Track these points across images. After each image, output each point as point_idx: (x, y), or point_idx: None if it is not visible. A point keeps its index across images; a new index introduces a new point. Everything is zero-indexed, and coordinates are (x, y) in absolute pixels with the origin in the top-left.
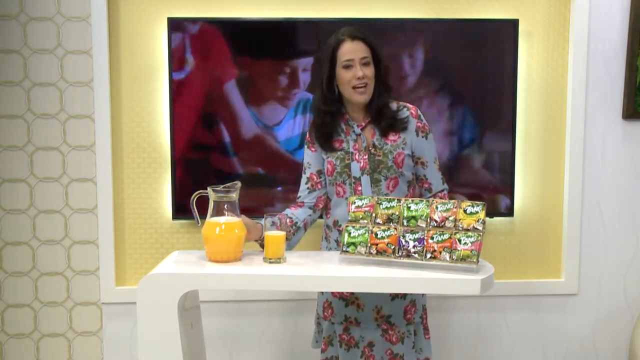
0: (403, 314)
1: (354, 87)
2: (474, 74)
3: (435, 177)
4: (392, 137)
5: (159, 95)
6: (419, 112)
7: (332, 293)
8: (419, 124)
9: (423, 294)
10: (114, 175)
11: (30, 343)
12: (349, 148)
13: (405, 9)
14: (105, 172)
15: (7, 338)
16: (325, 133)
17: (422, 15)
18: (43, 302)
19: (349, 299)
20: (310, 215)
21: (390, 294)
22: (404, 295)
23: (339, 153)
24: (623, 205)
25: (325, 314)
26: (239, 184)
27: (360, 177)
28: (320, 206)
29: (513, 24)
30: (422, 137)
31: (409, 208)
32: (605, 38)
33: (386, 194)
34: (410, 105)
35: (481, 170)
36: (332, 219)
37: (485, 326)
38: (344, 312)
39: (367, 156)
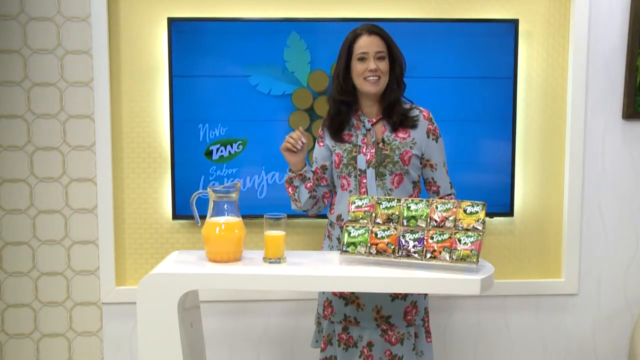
0: (403, 315)
1: (366, 78)
2: (473, 74)
3: (443, 181)
4: (401, 134)
5: (159, 95)
6: (430, 115)
7: (333, 292)
8: (430, 126)
9: (425, 296)
10: (114, 175)
11: (30, 343)
12: (357, 141)
13: (405, 9)
14: (105, 172)
15: (7, 338)
16: (338, 123)
17: (422, 15)
18: (43, 302)
19: (349, 298)
20: (320, 196)
21: (391, 295)
22: (405, 296)
23: (347, 145)
24: (623, 205)
25: (325, 312)
26: (239, 183)
27: (365, 170)
28: (325, 201)
29: (513, 24)
30: (433, 139)
31: (408, 208)
32: (605, 38)
33: (390, 189)
34: (423, 108)
35: (481, 170)
36: (335, 214)
37: (485, 326)
38: (343, 311)
39: (374, 150)
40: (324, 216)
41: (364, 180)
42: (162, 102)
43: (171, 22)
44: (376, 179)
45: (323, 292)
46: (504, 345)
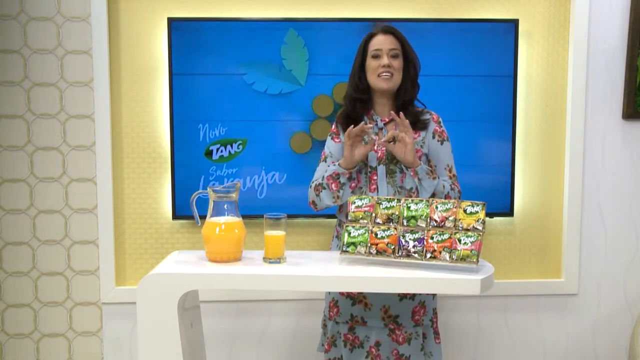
0: (411, 315)
1: (379, 75)
2: (473, 74)
3: (442, 175)
4: (413, 134)
5: (159, 95)
6: (440, 119)
7: (340, 292)
8: (437, 127)
9: (433, 297)
10: (114, 175)
11: (30, 343)
12: (369, 139)
13: (405, 9)
14: (105, 172)
15: (7, 338)
16: (353, 119)
17: (422, 15)
18: (43, 302)
19: (357, 298)
20: None
21: (399, 294)
22: (413, 296)
23: None
24: (623, 205)
25: (331, 313)
26: (239, 183)
27: (376, 167)
28: None
29: (513, 24)
30: (438, 141)
31: (408, 208)
32: (605, 38)
33: (400, 187)
34: (433, 112)
35: (481, 170)
36: (344, 212)
37: (485, 326)
38: (350, 311)
39: (385, 148)
40: (333, 216)
41: (374, 177)
42: (162, 102)
43: (171, 22)
44: (387, 175)
45: (329, 293)
46: (504, 345)
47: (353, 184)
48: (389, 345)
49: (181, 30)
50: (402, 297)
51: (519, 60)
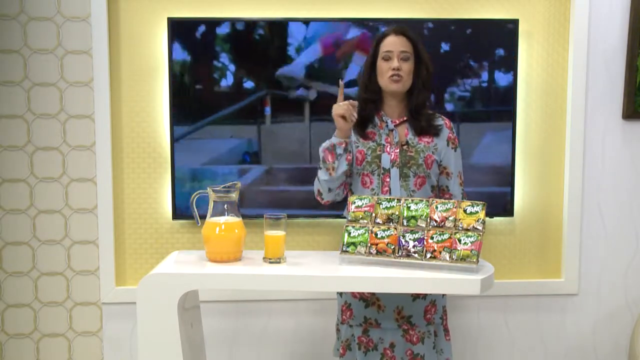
0: (423, 314)
1: (389, 77)
2: (473, 74)
3: (456, 190)
4: (425, 139)
5: (159, 95)
6: (451, 124)
7: (352, 294)
8: (450, 135)
9: (443, 295)
10: (114, 175)
11: (30, 343)
12: (381, 140)
13: (405, 9)
14: (105, 172)
15: (7, 338)
16: (363, 119)
17: (422, 15)
18: (43, 302)
19: (370, 300)
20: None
21: (412, 295)
22: (425, 296)
23: (370, 143)
24: (623, 205)
25: (344, 317)
26: (238, 184)
27: (389, 169)
28: (345, 191)
29: (513, 24)
30: (452, 148)
31: (408, 208)
32: (605, 38)
33: (413, 191)
34: (445, 118)
35: (481, 170)
36: None
37: (485, 326)
38: (363, 313)
39: (398, 150)
40: (334, 216)
41: (387, 179)
42: (162, 102)
43: (171, 22)
44: (400, 179)
45: (341, 296)
46: (504, 345)
47: (349, 157)
48: (403, 345)
49: (181, 30)
50: (415, 297)
51: (519, 61)
